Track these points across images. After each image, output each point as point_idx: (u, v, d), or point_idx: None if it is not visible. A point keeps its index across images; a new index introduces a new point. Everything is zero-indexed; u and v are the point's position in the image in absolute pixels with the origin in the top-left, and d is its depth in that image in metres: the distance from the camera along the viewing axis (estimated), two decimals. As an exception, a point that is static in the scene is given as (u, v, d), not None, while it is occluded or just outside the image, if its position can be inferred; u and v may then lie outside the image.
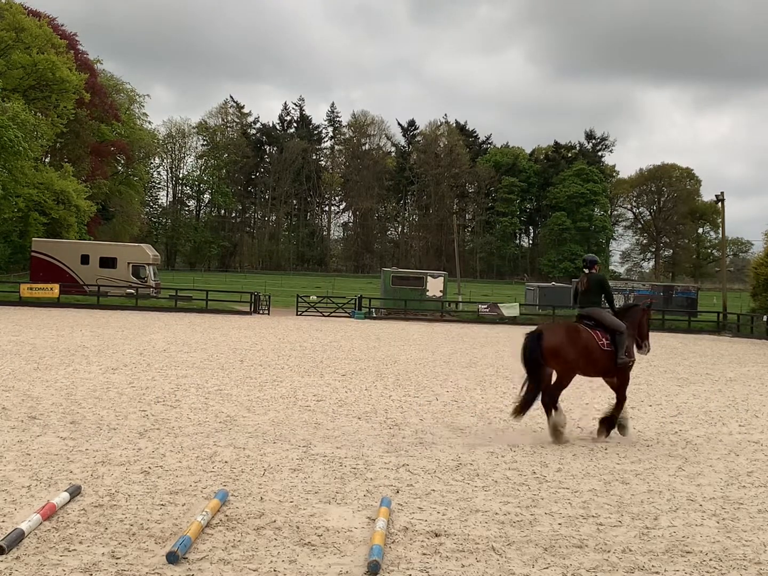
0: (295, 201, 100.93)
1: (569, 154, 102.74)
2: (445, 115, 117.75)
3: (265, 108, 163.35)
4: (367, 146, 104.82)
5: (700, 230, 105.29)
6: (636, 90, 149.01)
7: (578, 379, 15.49)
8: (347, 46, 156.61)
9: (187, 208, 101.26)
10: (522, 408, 9.00)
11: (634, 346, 9.49)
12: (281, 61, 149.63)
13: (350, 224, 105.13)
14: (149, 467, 7.04)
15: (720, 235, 66.38)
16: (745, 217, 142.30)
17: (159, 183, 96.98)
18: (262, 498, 6.21)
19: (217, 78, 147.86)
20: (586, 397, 12.97)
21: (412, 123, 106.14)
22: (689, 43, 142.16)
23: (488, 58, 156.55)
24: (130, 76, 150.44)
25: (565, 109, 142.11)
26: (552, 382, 9.17)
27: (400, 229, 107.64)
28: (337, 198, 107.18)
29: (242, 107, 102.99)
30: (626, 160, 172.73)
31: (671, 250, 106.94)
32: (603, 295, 9.46)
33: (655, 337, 31.01)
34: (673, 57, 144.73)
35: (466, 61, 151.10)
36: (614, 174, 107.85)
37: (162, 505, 5.92)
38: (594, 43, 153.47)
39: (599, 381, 15.35)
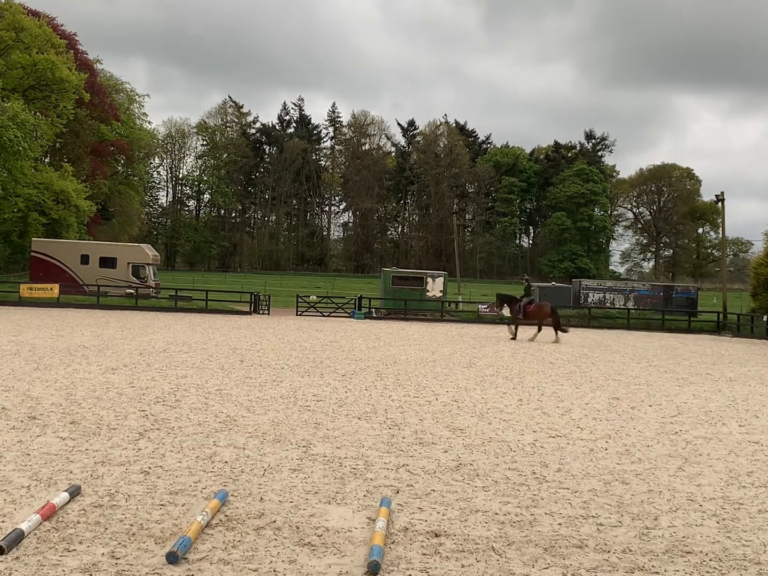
0: (295, 201, 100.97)
1: (569, 154, 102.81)
2: (445, 115, 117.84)
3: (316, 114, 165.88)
4: (367, 146, 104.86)
5: (700, 230, 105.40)
6: (675, 97, 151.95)
7: (579, 379, 15.54)
8: (408, 54, 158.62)
9: (187, 208, 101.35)
10: None
11: None
12: (340, 70, 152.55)
13: (350, 224, 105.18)
14: (149, 467, 7.03)
15: (720, 235, 66.32)
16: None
17: (159, 183, 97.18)
18: (262, 498, 6.20)
19: (273, 86, 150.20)
20: (586, 397, 12.97)
21: (411, 123, 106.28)
22: (731, 53, 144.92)
23: (541, 67, 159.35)
24: (189, 82, 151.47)
25: (606, 116, 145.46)
26: None
27: (400, 229, 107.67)
28: (337, 198, 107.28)
29: (241, 107, 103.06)
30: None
31: (671, 250, 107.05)
32: None
33: (655, 337, 31.20)
34: (713, 66, 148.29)
35: (520, 68, 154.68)
36: (614, 174, 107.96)
37: (162, 505, 5.92)
38: (638, 55, 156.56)
39: (600, 381, 15.39)
